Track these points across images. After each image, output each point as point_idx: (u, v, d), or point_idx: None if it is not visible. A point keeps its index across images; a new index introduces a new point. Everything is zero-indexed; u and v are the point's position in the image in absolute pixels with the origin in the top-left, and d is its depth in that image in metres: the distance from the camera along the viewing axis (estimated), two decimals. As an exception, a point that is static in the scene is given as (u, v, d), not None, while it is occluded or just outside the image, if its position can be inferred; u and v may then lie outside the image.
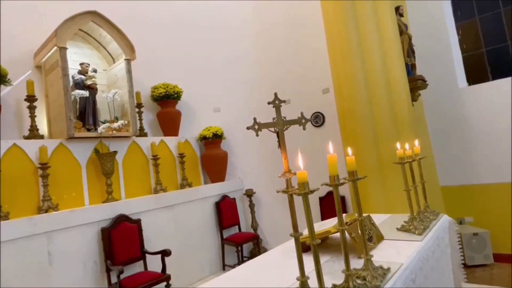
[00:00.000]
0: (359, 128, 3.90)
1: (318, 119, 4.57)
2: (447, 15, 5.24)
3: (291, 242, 2.00)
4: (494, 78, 4.91)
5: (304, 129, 1.31)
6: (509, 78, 4.65)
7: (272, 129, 1.29)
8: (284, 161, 1.24)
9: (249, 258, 4.78)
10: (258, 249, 4.64)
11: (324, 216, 4.49)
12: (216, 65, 5.36)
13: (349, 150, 1.40)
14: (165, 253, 3.42)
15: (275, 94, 1.37)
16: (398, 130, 3.84)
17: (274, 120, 1.33)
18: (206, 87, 5.31)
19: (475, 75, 5.07)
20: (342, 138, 4.31)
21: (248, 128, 1.28)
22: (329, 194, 4.49)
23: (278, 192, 1.22)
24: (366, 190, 3.88)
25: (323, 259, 1.60)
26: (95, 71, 4.18)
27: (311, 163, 4.72)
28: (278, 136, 1.26)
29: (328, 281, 1.18)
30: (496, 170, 4.51)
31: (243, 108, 5.29)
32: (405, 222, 2.02)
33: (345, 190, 4.37)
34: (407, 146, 2.13)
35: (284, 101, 1.24)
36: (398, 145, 2.13)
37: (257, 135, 1.25)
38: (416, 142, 2.17)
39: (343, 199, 4.37)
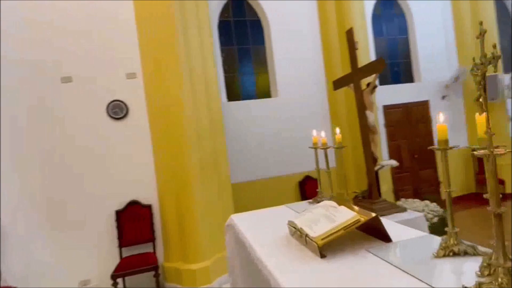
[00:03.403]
0: (180, 124, 3.49)
1: (119, 110, 3.53)
2: (215, 38, 5.94)
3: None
4: (244, 98, 6.15)
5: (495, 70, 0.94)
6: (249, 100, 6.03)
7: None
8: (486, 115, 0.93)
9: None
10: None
11: (125, 234, 3.48)
12: None
13: (441, 117, 1.27)
14: None
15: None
16: (214, 128, 3.84)
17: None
18: None
19: (232, 93, 6.10)
20: (152, 134, 3.64)
21: None
22: (131, 205, 3.55)
23: (473, 152, 0.88)
24: (190, 190, 3.50)
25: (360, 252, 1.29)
26: None
27: (112, 165, 3.56)
28: (482, 80, 0.90)
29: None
30: (244, 171, 5.53)
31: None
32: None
33: (152, 199, 3.66)
34: (323, 133, 2.23)
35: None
36: (314, 131, 2.24)
37: None
38: (338, 130, 2.31)
39: (149, 208, 3.61)
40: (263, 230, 1.84)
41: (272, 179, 5.84)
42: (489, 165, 0.90)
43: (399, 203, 4.32)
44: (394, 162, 4.03)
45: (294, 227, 1.56)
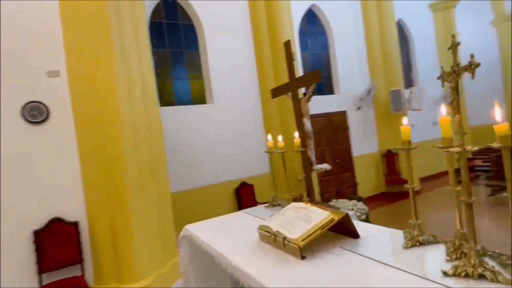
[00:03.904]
0: (114, 129, 3.18)
1: (38, 112, 3.01)
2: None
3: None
4: (178, 104, 5.92)
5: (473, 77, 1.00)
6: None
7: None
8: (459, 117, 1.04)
9: None
10: None
11: (45, 257, 2.96)
12: None
13: (405, 120, 1.38)
14: None
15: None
16: (152, 134, 3.61)
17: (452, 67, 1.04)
18: None
19: (164, 98, 5.79)
20: (79, 140, 3.23)
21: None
22: (53, 222, 3.04)
23: (448, 149, 1.00)
24: (125, 202, 3.19)
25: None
26: None
27: (29, 176, 2.98)
28: (456, 86, 1.01)
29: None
30: (180, 179, 5.30)
31: None
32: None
33: (79, 215, 3.20)
34: (280, 138, 2.28)
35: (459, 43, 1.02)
36: (270, 136, 2.28)
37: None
38: (296, 134, 2.34)
39: (75, 225, 3.15)
40: (230, 238, 1.78)
41: (208, 187, 5.72)
42: (462, 160, 1.03)
43: (331, 203, 4.67)
44: (327, 166, 4.35)
45: (267, 232, 1.54)
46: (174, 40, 5.92)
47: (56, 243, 3.01)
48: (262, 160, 6.53)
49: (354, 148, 7.92)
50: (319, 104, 7.37)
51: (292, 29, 6.50)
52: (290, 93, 4.00)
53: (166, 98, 5.79)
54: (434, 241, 1.31)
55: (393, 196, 8.08)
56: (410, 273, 1.10)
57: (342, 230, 1.56)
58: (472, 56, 0.95)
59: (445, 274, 1.03)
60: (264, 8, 6.31)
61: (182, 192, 5.20)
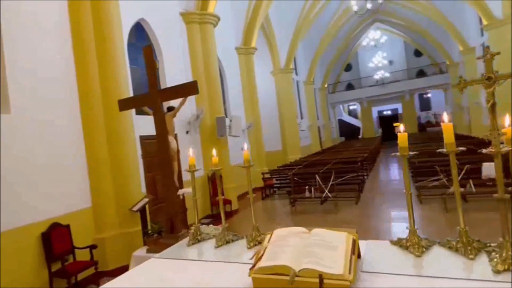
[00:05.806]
0: None
1: None
2: None
3: None
4: None
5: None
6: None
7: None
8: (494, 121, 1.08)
9: None
10: None
11: None
12: None
13: (402, 127, 1.34)
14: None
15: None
16: None
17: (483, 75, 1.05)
18: None
19: None
20: None
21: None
22: None
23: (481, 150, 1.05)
24: None
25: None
26: None
27: None
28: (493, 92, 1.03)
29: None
30: None
31: None
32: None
33: None
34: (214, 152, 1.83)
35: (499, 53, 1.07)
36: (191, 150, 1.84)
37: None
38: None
39: None
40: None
41: (2, 235, 3.83)
42: (497, 161, 1.12)
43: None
44: (189, 190, 3.94)
45: (279, 274, 1.11)
46: None
47: None
48: (82, 191, 5.16)
49: (184, 172, 7.71)
50: (149, 125, 6.74)
51: (121, 34, 5.69)
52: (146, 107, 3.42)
53: None
54: (430, 243, 1.36)
55: (220, 216, 8.35)
56: (465, 279, 1.07)
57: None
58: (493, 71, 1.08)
59: (497, 272, 1.07)
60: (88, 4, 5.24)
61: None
